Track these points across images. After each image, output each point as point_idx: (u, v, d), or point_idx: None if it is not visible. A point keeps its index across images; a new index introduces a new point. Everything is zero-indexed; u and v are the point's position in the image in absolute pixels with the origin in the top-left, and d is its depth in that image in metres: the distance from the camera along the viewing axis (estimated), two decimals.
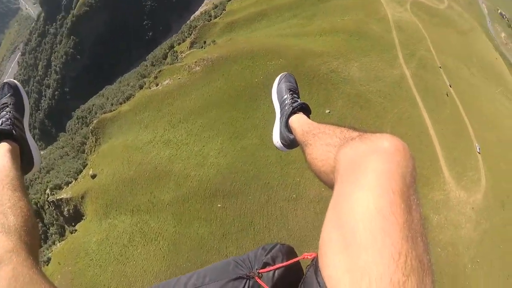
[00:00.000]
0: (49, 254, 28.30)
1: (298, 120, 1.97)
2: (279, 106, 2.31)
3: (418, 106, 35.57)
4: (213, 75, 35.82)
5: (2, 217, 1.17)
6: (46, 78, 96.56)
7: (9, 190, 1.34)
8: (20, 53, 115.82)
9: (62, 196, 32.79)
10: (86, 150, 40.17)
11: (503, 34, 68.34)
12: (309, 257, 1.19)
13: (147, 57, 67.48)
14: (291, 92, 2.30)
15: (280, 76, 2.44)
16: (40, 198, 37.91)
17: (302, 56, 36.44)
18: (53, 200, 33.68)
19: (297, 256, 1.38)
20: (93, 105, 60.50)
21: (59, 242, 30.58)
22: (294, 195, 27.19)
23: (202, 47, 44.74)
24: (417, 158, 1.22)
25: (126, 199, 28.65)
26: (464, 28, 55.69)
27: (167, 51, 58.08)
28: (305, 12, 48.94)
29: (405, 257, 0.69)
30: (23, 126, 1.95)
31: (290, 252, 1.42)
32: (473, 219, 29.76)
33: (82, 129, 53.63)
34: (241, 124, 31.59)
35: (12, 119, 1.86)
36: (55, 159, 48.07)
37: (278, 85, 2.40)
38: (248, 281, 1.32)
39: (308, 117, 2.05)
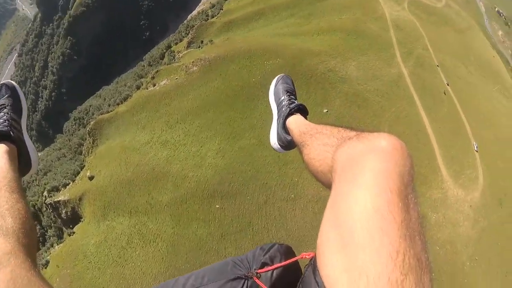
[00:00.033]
0: (48, 257, 28.11)
1: (296, 121, 1.98)
2: (276, 108, 2.31)
3: (415, 105, 35.65)
4: (210, 75, 35.75)
5: (0, 219, 1.17)
6: (43, 79, 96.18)
7: (7, 192, 1.33)
8: (17, 54, 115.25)
9: (59, 198, 32.61)
10: (83, 152, 39.98)
11: (500, 32, 68.51)
12: (307, 256, 1.18)
13: (144, 57, 67.30)
14: (288, 94, 2.31)
15: (277, 78, 2.45)
16: (37, 200, 37.71)
17: (299, 56, 36.44)
18: (50, 202, 33.47)
19: (295, 256, 1.38)
20: (90, 106, 60.36)
21: (57, 244, 30.42)
22: (292, 195, 27.17)
23: (199, 47, 44.67)
24: (414, 156, 1.22)
25: (124, 200, 28.51)
26: (462, 27, 55.83)
27: (164, 51, 57.81)
28: (303, 11, 48.94)
29: (403, 255, 0.69)
30: (21, 128, 1.94)
31: (288, 252, 1.42)
32: (471, 217, 29.87)
33: (79, 130, 53.51)
34: (238, 124, 31.54)
35: (10, 120, 1.86)
36: (52, 161, 47.88)
37: (275, 86, 2.40)
38: (246, 281, 1.32)
39: (306, 118, 2.05)
